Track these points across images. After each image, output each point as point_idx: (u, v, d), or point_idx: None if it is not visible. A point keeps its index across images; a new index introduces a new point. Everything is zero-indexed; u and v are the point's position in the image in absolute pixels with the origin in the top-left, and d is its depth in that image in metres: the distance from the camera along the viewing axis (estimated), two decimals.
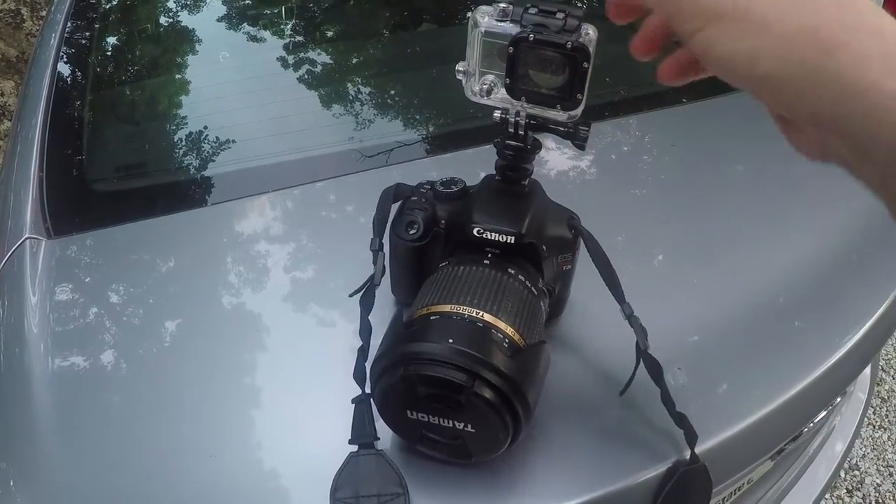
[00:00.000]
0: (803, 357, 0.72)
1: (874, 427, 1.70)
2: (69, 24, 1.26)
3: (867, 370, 1.23)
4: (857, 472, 1.59)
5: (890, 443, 1.67)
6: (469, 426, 0.50)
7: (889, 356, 1.89)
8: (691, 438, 0.58)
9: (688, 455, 0.59)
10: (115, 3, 1.41)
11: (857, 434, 1.18)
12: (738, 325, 0.74)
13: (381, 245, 0.61)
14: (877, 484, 1.57)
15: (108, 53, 1.27)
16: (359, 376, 0.57)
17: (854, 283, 0.84)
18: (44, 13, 3.14)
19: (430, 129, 1.07)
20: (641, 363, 0.59)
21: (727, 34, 0.32)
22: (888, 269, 0.86)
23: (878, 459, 1.63)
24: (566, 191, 0.91)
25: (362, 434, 0.56)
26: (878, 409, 1.75)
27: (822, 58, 0.29)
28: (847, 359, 0.74)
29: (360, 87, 1.16)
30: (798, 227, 0.90)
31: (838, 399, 0.98)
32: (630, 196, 0.93)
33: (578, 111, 0.52)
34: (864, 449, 1.65)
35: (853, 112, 0.28)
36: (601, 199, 0.91)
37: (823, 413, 0.92)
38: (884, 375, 1.84)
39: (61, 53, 1.18)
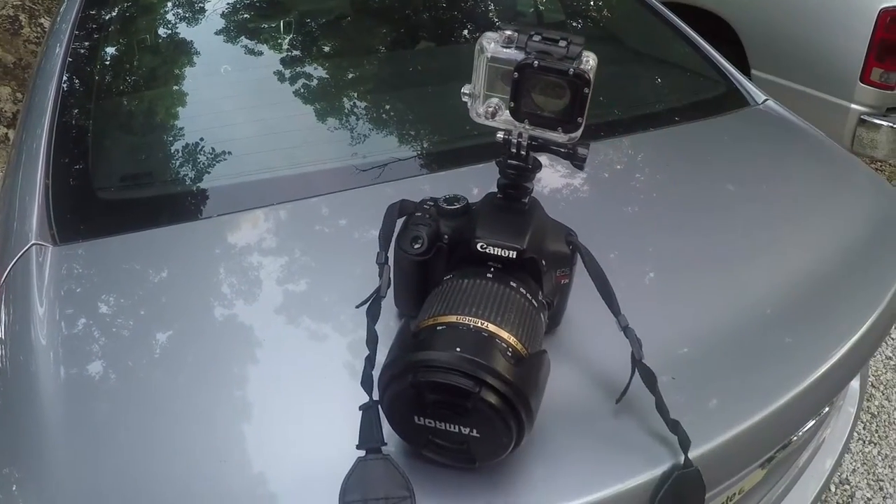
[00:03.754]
0: (792, 367, 0.75)
1: (864, 442, 1.73)
2: (74, 35, 1.28)
3: (856, 385, 1.26)
4: (847, 487, 1.61)
5: (880, 458, 1.69)
6: (474, 431, 0.53)
7: (878, 372, 1.92)
8: (685, 444, 0.61)
9: (682, 460, 0.61)
10: (118, 14, 1.43)
11: (846, 448, 1.20)
12: (729, 336, 0.77)
13: (387, 258, 0.64)
14: (867, 498, 1.59)
15: (113, 64, 1.29)
16: (366, 384, 0.59)
17: (842, 298, 0.87)
18: (42, 20, 3.16)
19: (427, 146, 1.09)
20: (636, 372, 0.62)
21: None
22: (874, 285, 0.89)
23: (868, 474, 1.65)
24: (564, 208, 0.94)
25: (370, 439, 0.58)
26: (868, 424, 1.78)
27: None
28: (834, 370, 0.77)
29: (360, 103, 1.19)
30: (787, 242, 0.94)
31: (826, 409, 1.01)
32: (625, 213, 0.96)
33: (578, 133, 0.55)
34: (854, 464, 1.67)
35: None
36: (597, 217, 0.94)
37: (812, 422, 0.95)
38: (873, 391, 1.87)
39: (66, 63, 1.19)
